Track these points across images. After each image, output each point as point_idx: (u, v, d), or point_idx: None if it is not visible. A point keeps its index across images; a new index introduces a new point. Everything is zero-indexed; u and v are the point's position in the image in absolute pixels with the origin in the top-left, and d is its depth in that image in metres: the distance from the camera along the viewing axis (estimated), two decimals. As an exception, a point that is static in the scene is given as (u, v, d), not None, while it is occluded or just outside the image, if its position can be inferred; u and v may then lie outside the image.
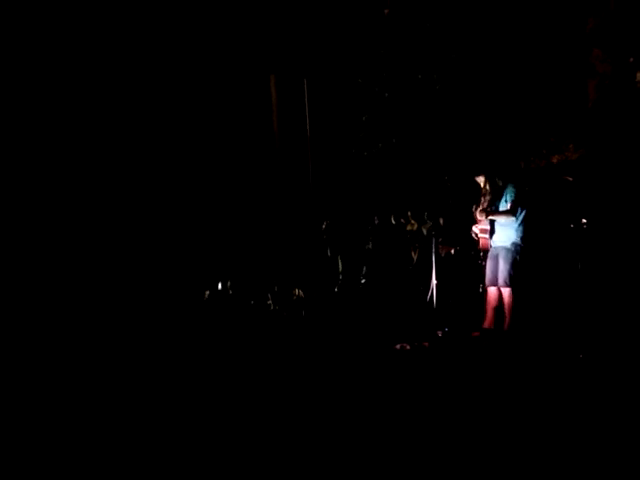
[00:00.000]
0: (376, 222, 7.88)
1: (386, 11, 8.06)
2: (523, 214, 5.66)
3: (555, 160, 8.08)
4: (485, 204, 5.77)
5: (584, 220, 6.73)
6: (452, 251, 7.19)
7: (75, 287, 6.41)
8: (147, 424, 3.64)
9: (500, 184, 5.76)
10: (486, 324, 5.78)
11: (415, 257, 7.47)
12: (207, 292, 7.11)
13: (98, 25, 6.97)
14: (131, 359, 5.11)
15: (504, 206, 5.70)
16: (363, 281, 7.44)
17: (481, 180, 5.89)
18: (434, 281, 6.22)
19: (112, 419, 3.74)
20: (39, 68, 6.65)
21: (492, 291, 5.78)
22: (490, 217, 5.73)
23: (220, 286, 7.26)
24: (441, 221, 7.54)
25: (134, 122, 7.13)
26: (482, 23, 8.08)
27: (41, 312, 5.97)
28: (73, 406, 4.01)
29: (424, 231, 7.57)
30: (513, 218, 5.64)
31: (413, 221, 7.69)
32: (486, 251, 5.92)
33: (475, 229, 5.95)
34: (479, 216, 5.81)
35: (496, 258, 5.74)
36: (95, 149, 6.92)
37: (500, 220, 5.72)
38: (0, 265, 6.24)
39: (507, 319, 5.64)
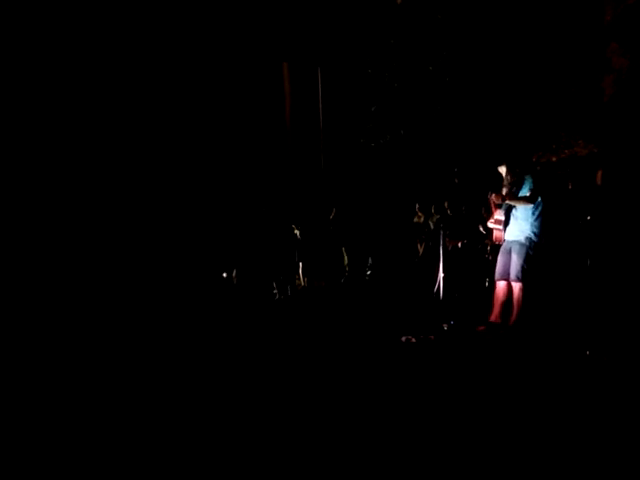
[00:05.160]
0: (383, 214, 7.85)
1: (398, 1, 8.00)
2: (540, 208, 5.60)
3: (564, 155, 8.04)
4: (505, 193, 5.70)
5: (588, 217, 6.72)
6: (459, 244, 7.17)
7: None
8: (151, 409, 3.64)
9: (518, 172, 5.68)
10: (492, 318, 5.75)
11: (421, 250, 7.45)
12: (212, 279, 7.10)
13: (108, 15, 6.93)
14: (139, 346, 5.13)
15: (524, 194, 5.64)
16: (369, 273, 7.41)
17: (503, 170, 5.81)
18: (441, 274, 6.19)
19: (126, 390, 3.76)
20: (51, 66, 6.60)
21: (501, 285, 5.74)
22: (508, 201, 5.65)
23: (225, 275, 7.24)
24: (448, 213, 7.50)
25: (153, 114, 7.10)
26: (496, 15, 8.01)
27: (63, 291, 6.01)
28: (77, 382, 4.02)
29: (431, 224, 7.54)
30: (531, 205, 5.57)
31: (420, 214, 7.66)
32: (498, 244, 5.87)
33: (490, 223, 5.87)
34: (496, 199, 5.71)
35: (508, 252, 5.69)
36: (112, 149, 6.92)
37: (518, 208, 5.64)
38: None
39: (514, 314, 5.60)
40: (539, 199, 5.59)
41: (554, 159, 8.10)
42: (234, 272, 7.17)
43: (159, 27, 7.06)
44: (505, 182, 5.76)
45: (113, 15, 6.96)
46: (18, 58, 6.47)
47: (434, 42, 8.37)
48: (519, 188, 5.65)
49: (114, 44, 6.96)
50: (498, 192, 5.72)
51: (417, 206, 7.73)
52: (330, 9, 7.75)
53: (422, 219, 7.71)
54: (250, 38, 7.41)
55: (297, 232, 7.56)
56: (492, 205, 5.80)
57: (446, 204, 7.53)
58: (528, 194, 5.57)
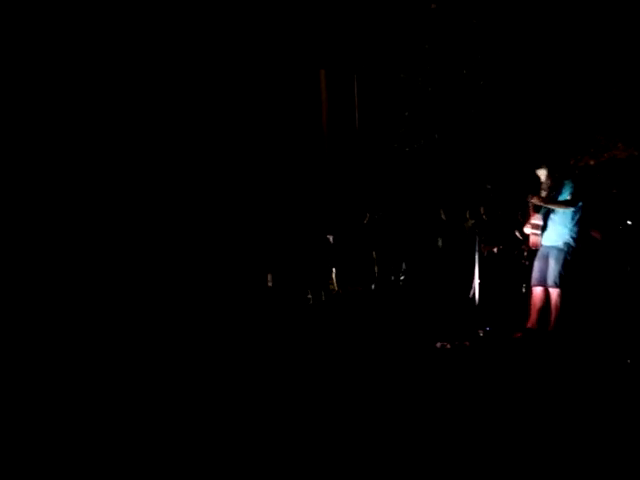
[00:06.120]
0: (417, 218, 7.82)
1: (433, 5, 7.97)
2: (579, 215, 5.53)
3: (603, 159, 7.89)
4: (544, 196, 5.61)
5: (629, 222, 6.58)
6: (495, 250, 7.09)
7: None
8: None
9: (557, 177, 5.60)
10: (529, 324, 5.67)
11: (456, 255, 7.39)
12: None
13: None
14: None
15: (564, 199, 5.56)
16: (403, 278, 7.39)
17: (542, 173, 5.72)
18: (477, 280, 6.14)
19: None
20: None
21: (538, 292, 5.66)
22: (548, 205, 5.57)
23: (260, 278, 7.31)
24: (484, 218, 7.43)
25: (192, 119, 7.20)
26: (532, 17, 7.92)
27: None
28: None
29: (466, 229, 7.48)
30: (570, 210, 5.51)
31: (455, 219, 7.60)
32: (534, 250, 5.79)
33: (527, 228, 5.78)
34: (537, 201, 5.62)
35: (545, 258, 5.61)
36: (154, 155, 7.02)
37: (557, 212, 5.56)
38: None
39: (552, 320, 5.52)
40: (579, 204, 5.51)
41: (592, 163, 7.96)
42: (269, 276, 7.24)
43: (197, 34, 7.16)
44: (544, 186, 5.67)
45: (146, 22, 7.07)
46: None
47: (469, 46, 8.32)
48: (558, 193, 5.57)
49: (149, 50, 7.07)
50: (538, 195, 5.62)
51: (453, 211, 7.68)
52: (365, 15, 7.77)
53: (457, 224, 7.65)
54: (289, 47, 7.48)
55: (330, 237, 7.59)
56: (530, 209, 5.71)
57: (481, 209, 7.47)
58: (569, 198, 5.49)
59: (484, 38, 8.27)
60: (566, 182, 5.58)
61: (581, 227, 5.55)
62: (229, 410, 3.76)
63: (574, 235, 5.53)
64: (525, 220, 5.92)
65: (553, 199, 5.57)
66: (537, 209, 5.66)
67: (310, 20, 7.55)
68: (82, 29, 6.71)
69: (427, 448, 3.18)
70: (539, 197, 5.60)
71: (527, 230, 5.80)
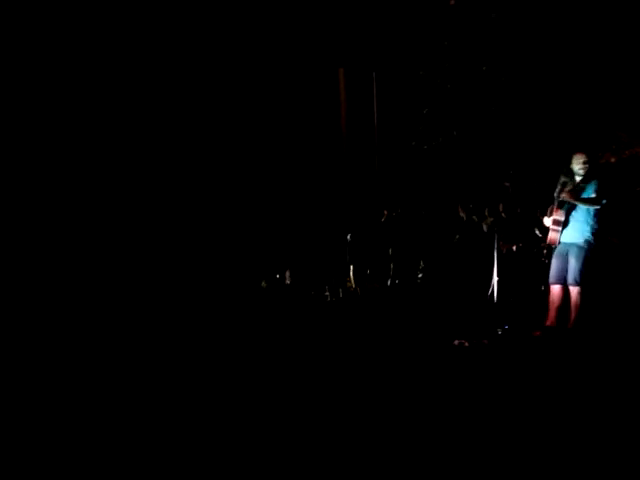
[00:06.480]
0: (436, 216, 7.81)
1: (452, 2, 7.95)
2: (599, 211, 5.46)
3: (625, 156, 7.81)
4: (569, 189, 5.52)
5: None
6: (514, 248, 7.06)
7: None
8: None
9: (587, 170, 5.50)
10: (548, 323, 5.62)
11: (475, 253, 7.37)
12: (264, 282, 7.24)
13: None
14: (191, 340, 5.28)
15: (588, 196, 5.48)
16: (421, 275, 7.39)
17: (578, 160, 5.54)
18: (495, 278, 6.12)
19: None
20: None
21: (556, 289, 5.61)
22: (576, 202, 5.49)
23: (278, 276, 7.36)
24: (502, 216, 7.40)
25: (212, 118, 7.25)
26: (552, 12, 7.86)
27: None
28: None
29: (485, 227, 7.45)
30: (597, 207, 5.42)
31: (474, 216, 7.58)
32: (552, 247, 5.72)
33: (547, 220, 5.68)
34: (566, 197, 5.51)
35: (565, 255, 5.55)
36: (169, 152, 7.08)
37: (578, 209, 5.49)
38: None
39: (572, 318, 5.47)
40: (603, 201, 5.43)
41: (613, 160, 7.88)
42: (287, 273, 7.28)
43: (216, 33, 7.22)
44: (563, 180, 5.53)
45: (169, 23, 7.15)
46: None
47: (488, 42, 8.28)
48: (582, 190, 5.49)
49: (169, 50, 7.14)
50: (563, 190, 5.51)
51: (471, 208, 7.65)
52: (383, 13, 7.77)
53: (476, 221, 7.63)
54: (308, 46, 7.51)
55: (348, 235, 7.61)
56: (554, 204, 5.60)
57: (500, 207, 7.43)
58: (594, 195, 5.42)
59: (503, 34, 8.23)
60: (591, 181, 5.50)
61: (600, 225, 5.48)
62: (242, 407, 3.80)
63: (595, 232, 5.46)
64: (544, 215, 5.81)
65: (579, 196, 5.48)
66: (561, 205, 5.56)
67: (329, 19, 7.57)
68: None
69: (441, 446, 3.18)
70: (568, 192, 5.49)
71: (547, 222, 5.68)
